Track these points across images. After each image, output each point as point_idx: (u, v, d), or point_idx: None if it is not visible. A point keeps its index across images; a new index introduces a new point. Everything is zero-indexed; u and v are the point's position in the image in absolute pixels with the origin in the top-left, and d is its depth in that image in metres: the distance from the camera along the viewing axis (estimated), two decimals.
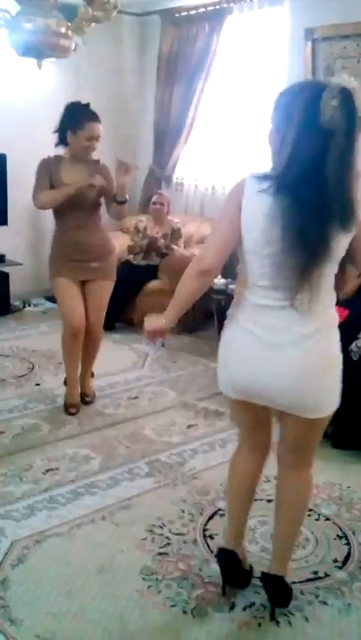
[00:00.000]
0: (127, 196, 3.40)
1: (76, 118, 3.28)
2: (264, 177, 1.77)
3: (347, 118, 1.65)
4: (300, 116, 1.68)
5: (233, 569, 2.17)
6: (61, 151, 3.43)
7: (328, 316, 1.90)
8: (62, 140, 3.37)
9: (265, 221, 1.76)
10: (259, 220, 1.77)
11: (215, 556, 2.24)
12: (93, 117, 3.31)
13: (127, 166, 3.31)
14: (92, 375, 3.81)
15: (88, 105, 3.34)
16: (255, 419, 2.08)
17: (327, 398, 1.93)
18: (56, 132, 3.36)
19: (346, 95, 1.65)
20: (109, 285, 3.57)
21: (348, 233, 1.77)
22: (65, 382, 3.68)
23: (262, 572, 2.15)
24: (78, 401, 3.61)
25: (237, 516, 2.19)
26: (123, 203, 3.38)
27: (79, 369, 3.63)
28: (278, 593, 2.10)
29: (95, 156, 3.46)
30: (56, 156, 3.41)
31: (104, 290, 3.55)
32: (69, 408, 3.55)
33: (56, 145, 3.40)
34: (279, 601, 2.11)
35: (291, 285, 1.79)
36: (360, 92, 1.67)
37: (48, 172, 3.37)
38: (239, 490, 2.17)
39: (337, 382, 1.94)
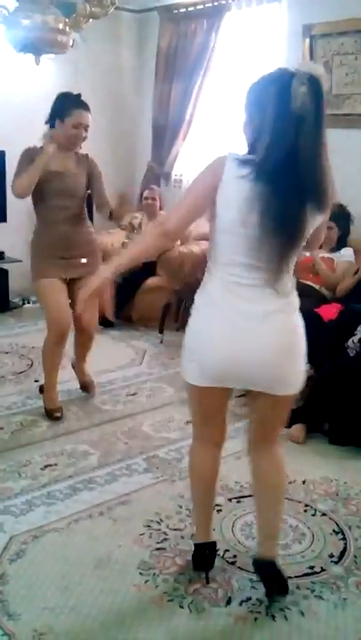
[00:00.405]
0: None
1: (64, 106, 3.24)
2: (244, 162, 1.80)
3: (316, 103, 1.73)
4: (273, 104, 1.75)
5: (212, 558, 2.25)
6: None
7: (294, 295, 1.98)
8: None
9: (243, 204, 1.79)
10: (237, 202, 1.80)
11: (194, 554, 2.28)
12: (82, 105, 3.25)
13: (127, 200, 3.31)
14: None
15: (79, 95, 3.30)
16: (216, 408, 2.10)
17: (299, 374, 2.00)
18: (47, 122, 3.32)
19: (314, 82, 1.73)
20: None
21: (322, 214, 1.86)
22: (41, 390, 3.54)
23: (254, 560, 2.20)
24: (60, 405, 3.45)
25: (203, 508, 2.23)
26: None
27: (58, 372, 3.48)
28: (274, 579, 2.14)
29: (94, 152, 3.45)
30: (42, 146, 3.28)
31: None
32: (53, 413, 3.39)
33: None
34: (275, 587, 2.14)
35: (268, 267, 1.85)
36: (326, 79, 1.77)
37: (31, 161, 3.23)
38: (201, 485, 2.20)
39: (304, 360, 2.01)
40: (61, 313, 3.27)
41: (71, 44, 4.16)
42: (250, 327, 1.88)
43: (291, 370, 1.96)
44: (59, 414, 3.41)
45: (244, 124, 1.89)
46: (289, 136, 1.74)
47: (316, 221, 1.88)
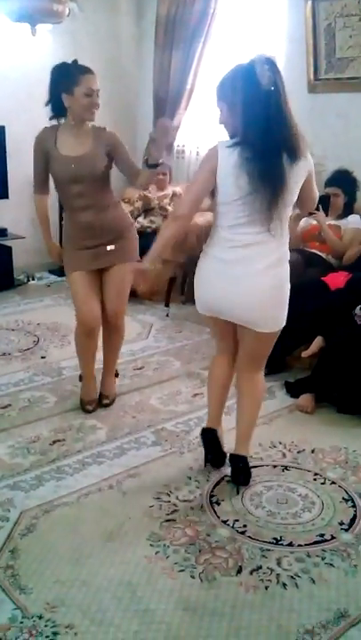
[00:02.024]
0: (162, 160, 3.04)
1: (68, 76, 2.88)
2: (233, 143, 2.27)
3: (277, 77, 2.20)
4: (245, 89, 2.21)
5: (213, 444, 2.72)
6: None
7: (285, 250, 2.40)
8: (58, 109, 2.96)
9: (235, 171, 2.25)
10: (231, 172, 2.26)
11: (200, 434, 2.76)
12: (87, 70, 2.93)
13: (167, 127, 3.06)
14: (117, 375, 3.45)
15: (76, 61, 2.95)
16: (223, 329, 2.60)
17: (280, 318, 2.46)
18: (48, 103, 2.97)
19: (271, 62, 2.21)
20: (131, 267, 3.00)
21: (298, 162, 2.27)
22: (80, 378, 3.37)
23: (230, 454, 2.66)
24: (96, 397, 3.30)
25: (215, 404, 2.74)
26: (156, 166, 2.97)
27: (95, 363, 3.30)
28: (241, 471, 2.62)
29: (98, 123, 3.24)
30: (52, 127, 3.02)
31: (125, 274, 3.09)
32: (86, 405, 3.26)
33: (51, 118, 3.01)
34: (241, 478, 2.62)
35: (261, 218, 2.28)
36: (278, 58, 2.27)
37: (42, 151, 3.01)
38: (216, 385, 2.73)
39: (286, 304, 2.46)
40: (88, 309, 3.10)
41: (67, 13, 4.07)
42: (236, 281, 2.36)
43: (272, 314, 2.43)
44: (90, 408, 3.25)
45: (223, 116, 2.36)
46: (263, 109, 2.19)
47: (298, 173, 2.29)
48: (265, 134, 2.19)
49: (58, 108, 2.96)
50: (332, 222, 4.08)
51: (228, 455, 2.70)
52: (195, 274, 2.52)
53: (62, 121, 3.01)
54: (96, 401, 3.30)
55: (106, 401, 3.33)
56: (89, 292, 3.10)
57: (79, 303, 3.11)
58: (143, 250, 2.67)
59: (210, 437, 2.73)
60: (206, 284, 2.46)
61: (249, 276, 2.34)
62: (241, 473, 2.62)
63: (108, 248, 3.08)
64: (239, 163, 2.22)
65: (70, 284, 3.16)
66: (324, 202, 3.89)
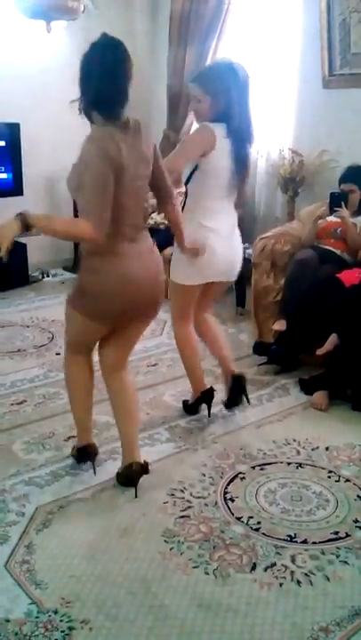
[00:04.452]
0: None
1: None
2: (224, 128, 2.71)
3: (248, 78, 2.74)
4: (233, 85, 2.68)
5: (211, 399, 3.15)
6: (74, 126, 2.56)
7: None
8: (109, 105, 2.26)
9: (225, 154, 2.73)
10: (224, 155, 2.73)
11: (202, 393, 3.12)
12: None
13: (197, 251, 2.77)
14: None
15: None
16: (195, 298, 2.99)
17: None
18: (75, 101, 2.28)
19: (241, 66, 2.74)
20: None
21: (251, 146, 2.87)
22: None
23: (233, 376, 3.12)
24: None
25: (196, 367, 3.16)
26: None
27: None
28: (241, 387, 3.14)
29: None
30: (108, 129, 2.24)
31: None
32: None
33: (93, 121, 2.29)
34: (240, 389, 3.14)
35: (232, 193, 2.86)
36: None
37: (111, 164, 2.18)
38: (195, 349, 3.11)
39: None
40: None
41: (82, 9, 4.08)
42: (230, 237, 2.90)
43: (240, 263, 3.01)
44: None
45: (202, 107, 2.75)
46: (242, 103, 2.72)
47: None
48: (240, 125, 2.71)
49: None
50: (351, 220, 4.04)
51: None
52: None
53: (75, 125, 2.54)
54: None
55: None
56: None
57: None
58: (160, 246, 2.68)
59: (211, 395, 3.16)
60: (212, 254, 2.80)
61: (235, 237, 2.95)
62: (241, 388, 3.12)
63: None
64: (228, 148, 2.72)
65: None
66: (342, 198, 3.86)
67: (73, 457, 2.77)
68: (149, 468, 2.55)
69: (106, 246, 2.24)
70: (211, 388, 3.16)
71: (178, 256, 2.89)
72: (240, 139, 2.76)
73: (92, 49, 2.26)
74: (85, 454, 2.69)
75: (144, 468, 2.53)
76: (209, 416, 3.15)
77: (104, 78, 2.21)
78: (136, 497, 2.51)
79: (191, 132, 2.93)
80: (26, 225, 2.18)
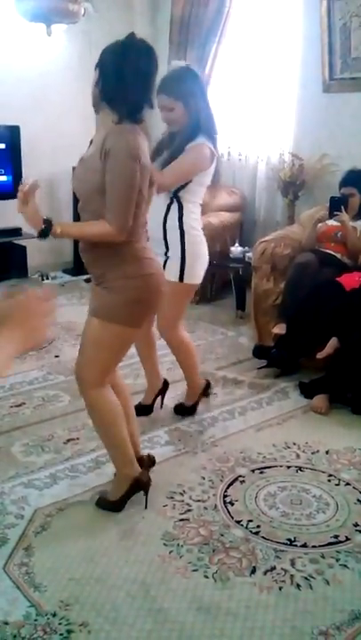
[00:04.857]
0: None
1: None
2: (210, 138, 2.81)
3: (202, 75, 3.05)
4: (197, 86, 2.80)
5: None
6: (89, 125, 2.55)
7: None
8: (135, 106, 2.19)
9: (213, 163, 2.86)
10: (212, 163, 2.85)
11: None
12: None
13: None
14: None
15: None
16: None
17: None
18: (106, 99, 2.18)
19: (193, 66, 2.98)
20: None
21: None
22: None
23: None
24: None
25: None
26: None
27: None
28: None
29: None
30: (133, 126, 2.18)
31: (95, 330, 2.41)
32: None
33: (124, 119, 2.16)
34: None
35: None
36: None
37: (139, 161, 2.15)
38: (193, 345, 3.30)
39: None
40: None
41: (83, 13, 4.09)
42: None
43: None
44: None
45: (176, 115, 2.77)
46: (206, 100, 2.84)
47: None
48: (213, 118, 2.82)
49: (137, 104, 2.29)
50: (351, 223, 4.05)
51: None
52: (193, 251, 2.90)
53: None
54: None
55: None
56: None
57: None
58: None
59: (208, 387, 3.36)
60: (205, 253, 2.97)
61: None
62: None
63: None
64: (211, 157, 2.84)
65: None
66: (342, 202, 3.86)
67: (127, 490, 2.45)
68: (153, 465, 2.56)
69: (127, 249, 2.22)
70: (207, 381, 3.35)
71: (193, 254, 2.91)
72: (215, 139, 2.83)
73: (125, 51, 2.15)
74: (143, 484, 2.45)
75: (152, 462, 2.55)
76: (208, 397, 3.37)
77: (138, 84, 2.16)
78: (146, 508, 2.45)
79: (192, 150, 2.76)
80: (48, 233, 2.32)
